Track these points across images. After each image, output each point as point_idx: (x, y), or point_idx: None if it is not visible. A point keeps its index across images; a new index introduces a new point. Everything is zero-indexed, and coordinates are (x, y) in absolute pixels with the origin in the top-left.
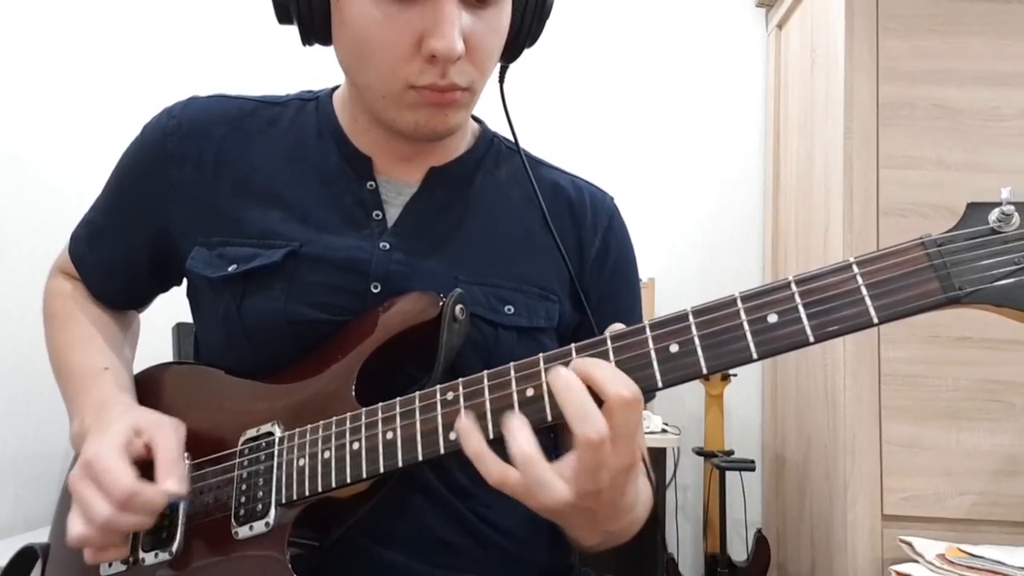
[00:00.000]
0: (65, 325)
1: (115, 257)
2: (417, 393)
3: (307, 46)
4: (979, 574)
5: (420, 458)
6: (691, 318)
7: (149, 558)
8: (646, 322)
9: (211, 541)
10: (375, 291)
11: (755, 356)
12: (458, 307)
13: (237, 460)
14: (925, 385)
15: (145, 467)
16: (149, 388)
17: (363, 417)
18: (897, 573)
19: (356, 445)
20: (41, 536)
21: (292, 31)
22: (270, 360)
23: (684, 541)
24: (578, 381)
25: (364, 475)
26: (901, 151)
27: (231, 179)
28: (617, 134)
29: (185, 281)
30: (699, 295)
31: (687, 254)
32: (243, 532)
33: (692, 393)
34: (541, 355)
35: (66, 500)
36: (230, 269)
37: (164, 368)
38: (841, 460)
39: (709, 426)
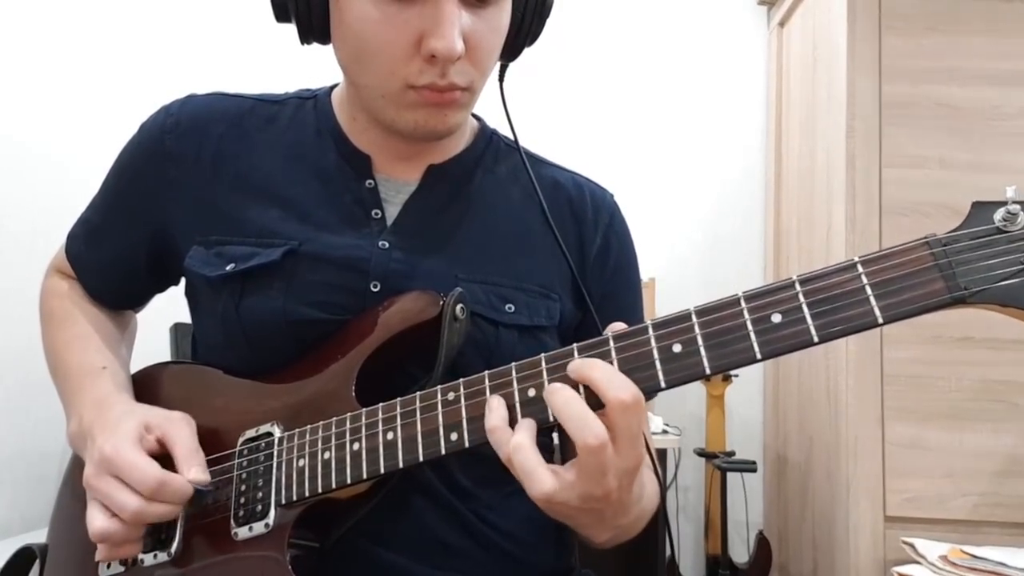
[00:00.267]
0: (62, 324)
1: (112, 256)
2: (418, 393)
3: (305, 45)
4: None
5: (421, 458)
6: (694, 318)
7: (148, 559)
8: (648, 322)
9: (210, 542)
10: (374, 290)
11: (759, 356)
12: (459, 306)
13: (236, 460)
14: (928, 385)
15: (160, 462)
16: (147, 388)
17: (363, 417)
18: (899, 574)
19: (356, 445)
20: (39, 537)
21: (290, 30)
22: (269, 360)
23: (685, 542)
24: (573, 394)
25: (364, 476)
26: (903, 150)
27: (229, 177)
28: (617, 133)
29: (183, 280)
30: (700, 295)
31: (688, 254)
32: (243, 533)
33: (693, 394)
34: (543, 355)
35: (64, 501)
36: (228, 268)
37: (162, 367)
38: (843, 461)
39: (710, 427)
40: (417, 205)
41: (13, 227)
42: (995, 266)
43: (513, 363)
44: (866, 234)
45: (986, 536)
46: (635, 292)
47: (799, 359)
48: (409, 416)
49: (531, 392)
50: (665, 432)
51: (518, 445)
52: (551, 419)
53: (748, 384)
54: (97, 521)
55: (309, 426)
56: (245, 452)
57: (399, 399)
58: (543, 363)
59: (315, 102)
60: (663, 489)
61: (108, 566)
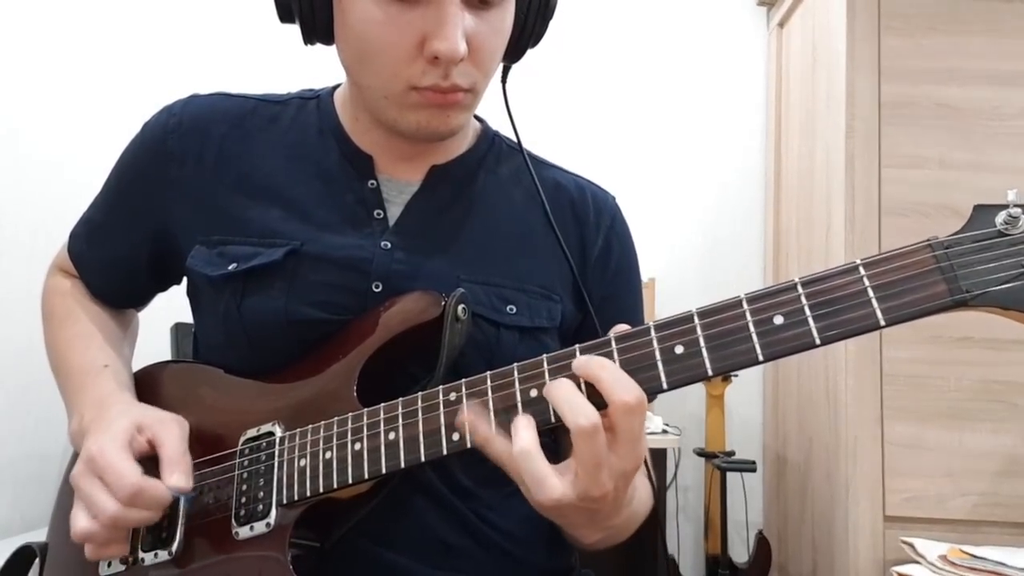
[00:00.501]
0: (64, 323)
1: (114, 255)
2: (419, 393)
3: (309, 45)
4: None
5: (422, 459)
6: (696, 319)
7: (149, 558)
8: (651, 323)
9: (211, 541)
10: (376, 290)
11: (761, 358)
12: (460, 307)
13: (237, 460)
14: (927, 385)
15: (149, 463)
16: (148, 387)
17: (365, 417)
18: (899, 574)
19: (358, 445)
20: (39, 536)
21: (294, 30)
22: (270, 359)
23: (685, 542)
24: (567, 381)
25: (366, 476)
26: (903, 150)
27: (231, 177)
28: (618, 133)
29: (185, 280)
30: (700, 296)
31: (687, 254)
32: (243, 532)
33: (693, 394)
34: (544, 356)
35: (64, 500)
36: (230, 268)
37: (163, 367)
38: (843, 461)
39: (710, 427)
40: (419, 206)
41: (13, 227)
42: (996, 269)
43: (515, 364)
44: (865, 234)
45: (985, 536)
46: (636, 294)
47: (799, 359)
48: (411, 416)
49: (533, 393)
50: (665, 432)
51: (525, 452)
52: (552, 420)
53: (748, 384)
54: (80, 522)
55: (310, 426)
56: (246, 452)
57: (401, 399)
58: (545, 364)
59: (317, 102)
60: (662, 489)
61: (108, 565)
